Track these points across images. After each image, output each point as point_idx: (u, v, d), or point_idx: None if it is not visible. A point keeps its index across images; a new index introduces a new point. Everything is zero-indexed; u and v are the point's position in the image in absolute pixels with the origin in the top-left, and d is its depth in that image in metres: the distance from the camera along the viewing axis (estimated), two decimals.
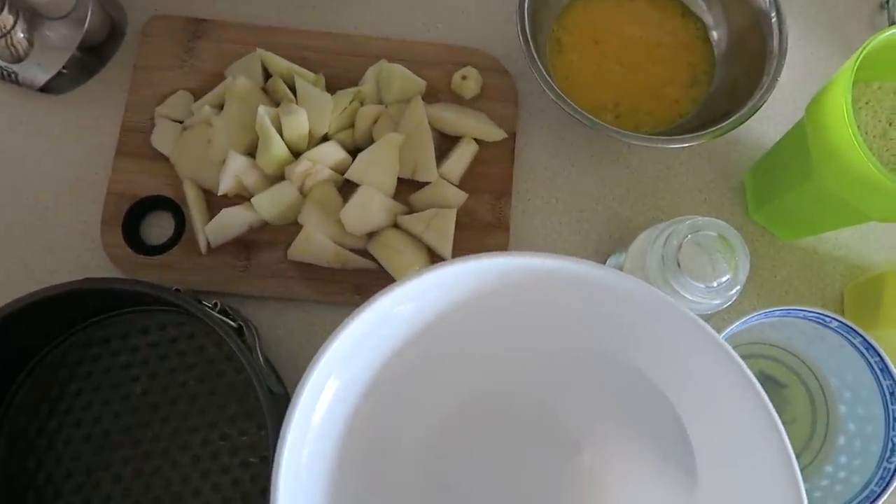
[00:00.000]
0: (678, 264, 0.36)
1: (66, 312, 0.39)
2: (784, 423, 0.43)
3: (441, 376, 0.39)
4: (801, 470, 0.42)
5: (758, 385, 0.32)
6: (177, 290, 0.37)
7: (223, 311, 0.37)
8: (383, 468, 0.37)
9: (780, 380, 0.43)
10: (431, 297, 0.34)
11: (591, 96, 0.46)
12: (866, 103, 0.38)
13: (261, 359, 0.38)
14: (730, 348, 0.32)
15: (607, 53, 0.47)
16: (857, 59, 0.33)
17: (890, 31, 0.34)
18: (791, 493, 0.32)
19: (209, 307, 0.36)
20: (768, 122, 0.48)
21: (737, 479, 0.34)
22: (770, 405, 0.31)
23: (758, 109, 0.41)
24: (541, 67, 0.41)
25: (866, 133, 0.37)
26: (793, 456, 0.32)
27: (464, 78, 0.45)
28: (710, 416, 0.35)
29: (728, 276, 0.36)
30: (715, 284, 0.36)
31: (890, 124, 0.38)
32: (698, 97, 0.46)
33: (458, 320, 0.36)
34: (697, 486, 0.36)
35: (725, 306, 0.38)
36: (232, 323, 0.37)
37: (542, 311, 0.36)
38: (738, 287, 0.37)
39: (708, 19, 0.47)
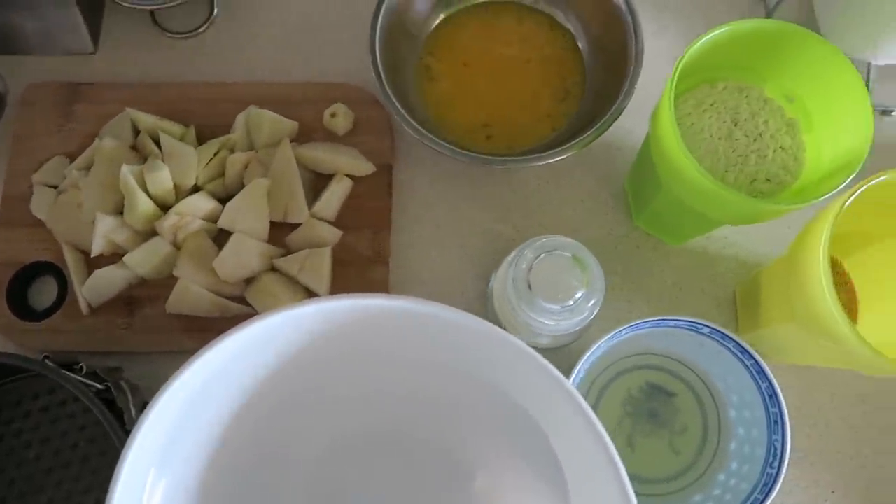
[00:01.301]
0: (529, 286, 0.36)
1: None
2: (675, 432, 0.43)
3: (320, 414, 0.39)
4: (696, 480, 0.42)
5: (589, 411, 0.31)
6: (45, 356, 0.38)
7: (90, 374, 0.38)
8: None
9: (668, 389, 0.43)
10: (281, 340, 0.34)
11: (463, 119, 0.46)
12: (711, 105, 0.38)
13: (133, 416, 0.38)
14: (558, 374, 0.32)
15: (477, 74, 0.47)
16: (677, 69, 0.33)
17: (710, 35, 0.34)
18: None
19: (74, 371, 0.37)
20: (643, 124, 0.47)
21: (593, 494, 0.34)
22: (603, 433, 0.31)
23: (617, 117, 0.41)
24: (395, 103, 0.41)
25: (710, 135, 0.37)
26: (627, 484, 0.31)
27: (333, 115, 0.46)
28: (568, 443, 0.35)
29: (582, 293, 0.36)
30: (571, 302, 0.36)
31: (735, 124, 0.37)
32: (571, 110, 0.46)
33: (324, 358, 0.36)
34: (569, 500, 0.36)
35: (589, 320, 0.37)
36: (98, 385, 0.37)
37: (412, 346, 0.36)
38: (596, 299, 0.36)
39: (573, 29, 0.47)
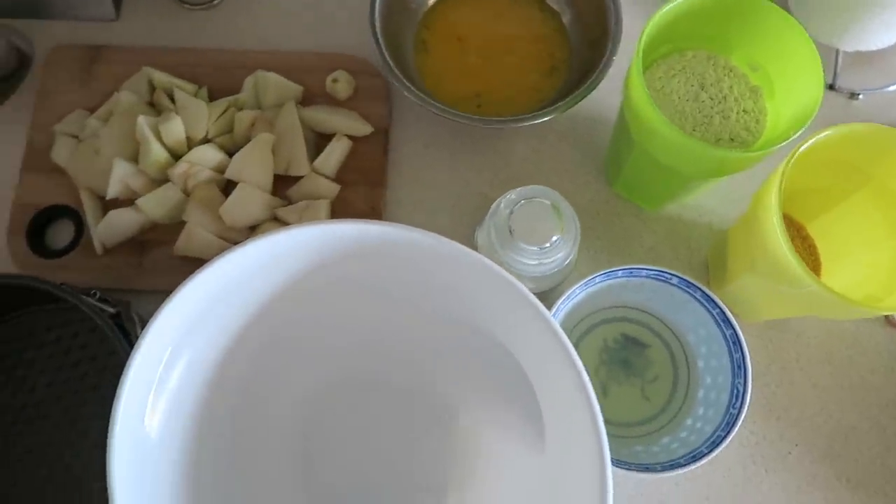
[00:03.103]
0: (510, 232, 0.39)
1: None
2: (647, 381, 0.46)
3: (309, 348, 0.42)
4: (665, 425, 0.44)
5: (561, 333, 0.34)
6: (62, 284, 0.41)
7: (102, 300, 0.41)
8: (251, 442, 0.40)
9: (642, 340, 0.46)
10: (277, 264, 0.36)
11: (455, 89, 0.49)
12: (680, 70, 0.41)
13: None
14: (540, 306, 0.34)
15: (470, 49, 0.50)
16: (644, 31, 0.36)
17: (674, 3, 0.37)
18: (596, 450, 0.33)
19: (88, 296, 0.40)
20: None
21: (569, 436, 0.36)
22: (576, 357, 0.33)
23: (593, 88, 0.45)
24: (395, 69, 0.45)
25: (678, 97, 0.40)
26: (597, 409, 0.33)
27: (335, 81, 0.49)
28: (545, 377, 0.37)
29: (557, 237, 0.39)
30: (547, 244, 0.39)
31: (702, 88, 0.40)
32: (557, 84, 0.50)
33: (315, 288, 0.38)
34: (545, 442, 0.38)
35: (567, 261, 0.40)
36: (109, 309, 0.40)
37: (399, 281, 0.39)
38: (573, 243, 0.39)
39: (559, 9, 0.51)
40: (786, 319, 0.48)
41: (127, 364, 0.32)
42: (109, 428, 0.32)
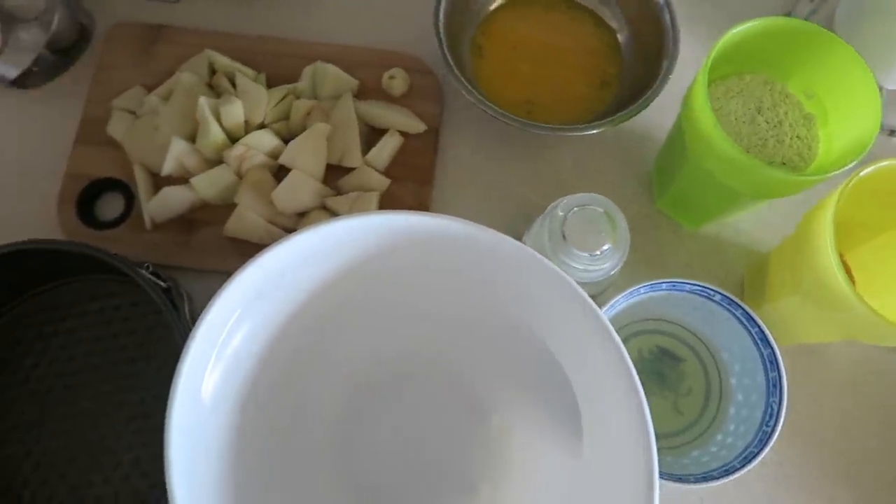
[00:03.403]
0: (563, 236, 0.40)
1: (16, 277, 0.43)
2: (680, 394, 0.46)
3: (351, 334, 0.42)
4: (696, 438, 0.45)
5: (618, 340, 0.35)
6: (115, 254, 0.41)
7: (155, 274, 0.41)
8: (291, 427, 0.40)
9: (677, 354, 0.46)
10: (333, 251, 0.37)
11: (507, 95, 0.50)
12: (738, 93, 0.42)
13: (188, 319, 0.42)
14: (597, 310, 0.35)
15: (523, 58, 0.51)
16: (712, 51, 0.38)
17: (743, 26, 0.38)
18: (645, 457, 0.34)
19: (141, 269, 0.40)
20: (673, 119, 0.52)
21: (610, 442, 0.37)
22: (632, 368, 0.34)
23: (649, 103, 0.46)
24: (456, 71, 0.46)
25: (735, 118, 0.41)
26: (649, 419, 0.34)
27: (391, 77, 0.50)
28: (591, 381, 0.38)
29: (609, 245, 0.40)
30: (598, 252, 0.40)
31: (758, 112, 0.42)
32: (607, 98, 0.51)
33: (364, 277, 0.39)
34: (583, 447, 0.39)
35: (614, 271, 0.41)
36: (161, 283, 0.41)
37: (444, 275, 0.39)
38: (622, 254, 0.40)
39: (616, 26, 0.52)
40: (815, 344, 0.49)
41: (191, 335, 0.33)
42: (169, 398, 0.32)
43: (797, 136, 0.41)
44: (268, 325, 0.37)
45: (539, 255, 0.35)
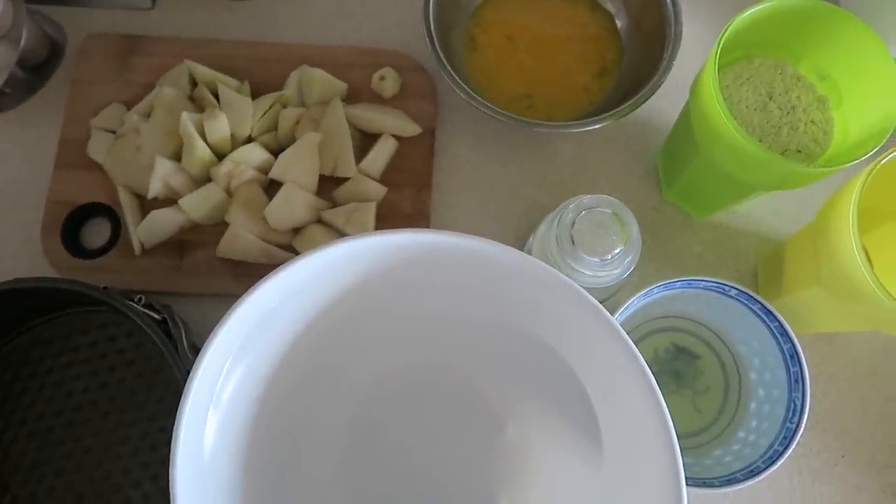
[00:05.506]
0: (572, 241, 0.38)
1: (4, 314, 0.42)
2: (698, 392, 0.45)
3: (361, 351, 0.41)
4: (717, 437, 0.44)
5: (631, 344, 0.33)
6: (105, 287, 0.39)
7: (148, 306, 0.39)
8: (302, 445, 0.39)
9: (693, 351, 0.45)
10: (335, 272, 0.35)
11: (505, 89, 0.48)
12: (748, 79, 0.40)
13: (186, 350, 0.40)
14: (612, 319, 0.33)
15: (520, 48, 0.49)
16: (721, 36, 0.35)
17: (754, 9, 0.36)
18: (670, 465, 0.33)
19: (134, 302, 0.39)
20: (676, 105, 0.50)
21: (632, 449, 0.36)
22: (647, 369, 0.33)
23: (653, 93, 0.43)
24: (448, 67, 0.44)
25: (747, 106, 0.39)
26: (671, 426, 0.32)
27: (382, 78, 0.48)
28: (608, 391, 0.37)
29: (620, 248, 0.38)
30: (609, 257, 0.38)
31: (770, 98, 0.40)
32: (607, 85, 0.49)
33: (369, 295, 0.37)
34: (603, 456, 0.38)
35: (625, 276, 0.39)
36: (155, 315, 0.39)
37: (455, 288, 0.38)
38: (632, 256, 0.38)
39: (613, 10, 0.49)
40: (834, 332, 0.47)
41: (189, 377, 0.31)
42: (172, 445, 0.30)
43: (812, 121, 0.39)
44: (268, 360, 0.36)
45: (547, 266, 0.34)
